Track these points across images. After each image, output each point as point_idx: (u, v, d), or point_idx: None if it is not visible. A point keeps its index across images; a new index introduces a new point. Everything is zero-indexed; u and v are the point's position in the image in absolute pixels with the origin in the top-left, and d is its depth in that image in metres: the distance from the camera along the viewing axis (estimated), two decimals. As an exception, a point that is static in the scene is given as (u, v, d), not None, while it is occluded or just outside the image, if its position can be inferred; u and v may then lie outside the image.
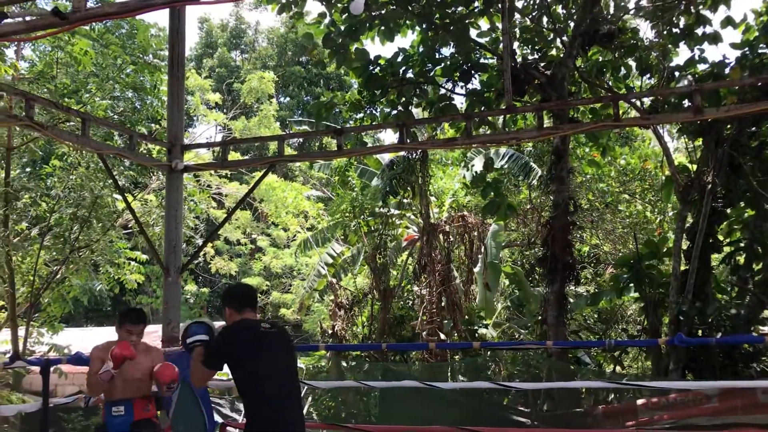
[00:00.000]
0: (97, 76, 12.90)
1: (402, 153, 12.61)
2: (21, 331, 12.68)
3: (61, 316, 13.82)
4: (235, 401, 11.87)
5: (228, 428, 6.75)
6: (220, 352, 4.13)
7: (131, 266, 14.08)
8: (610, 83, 11.00)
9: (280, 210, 21.19)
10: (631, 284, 10.94)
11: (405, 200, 14.59)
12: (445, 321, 13.67)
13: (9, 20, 3.11)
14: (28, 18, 3.43)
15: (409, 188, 13.41)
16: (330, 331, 14.76)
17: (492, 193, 10.85)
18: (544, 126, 5.85)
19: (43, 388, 5.19)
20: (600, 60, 10.99)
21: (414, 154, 12.94)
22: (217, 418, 6.72)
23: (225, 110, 29.18)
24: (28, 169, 18.45)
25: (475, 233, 14.65)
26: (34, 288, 12.43)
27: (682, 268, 9.87)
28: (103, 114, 12.64)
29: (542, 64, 10.20)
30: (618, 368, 13.31)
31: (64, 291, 13.38)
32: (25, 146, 12.75)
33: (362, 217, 15.06)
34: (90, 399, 5.51)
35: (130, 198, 12.36)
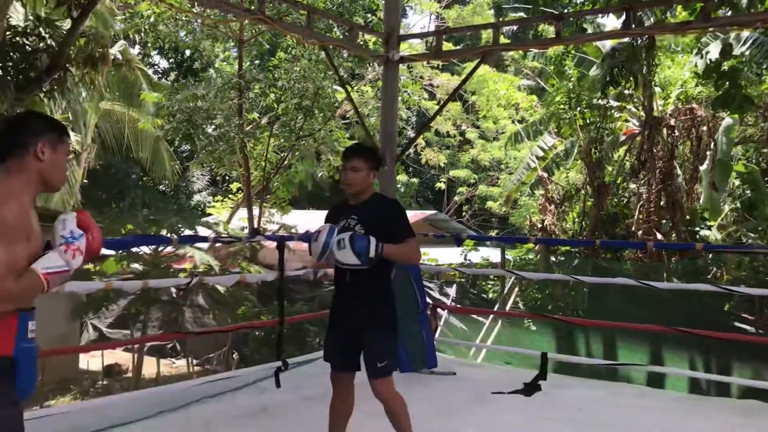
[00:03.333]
0: (319, -33, 13.27)
1: (626, 39, 11.71)
2: (255, 211, 14.08)
3: (288, 199, 15.09)
4: (443, 285, 12.42)
5: (437, 309, 7.12)
6: None
7: (349, 155, 14.87)
8: None
9: (491, 102, 20.92)
10: None
11: (626, 91, 13.66)
12: (664, 221, 12.93)
13: None
14: None
15: (631, 78, 12.48)
16: (539, 226, 14.65)
17: (726, 84, 9.78)
18: (802, 4, 5.06)
19: (278, 262, 5.34)
20: None
21: (639, 41, 11.96)
22: (428, 300, 7.07)
23: (438, -1, 28.85)
24: (257, 62, 19.84)
25: (704, 128, 13.42)
26: (266, 172, 13.62)
27: None
28: (323, 5, 13.07)
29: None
30: None
31: (291, 176, 14.50)
32: (254, 39, 13.63)
33: (578, 109, 14.43)
34: (317, 273, 5.51)
35: (348, 89, 12.88)
